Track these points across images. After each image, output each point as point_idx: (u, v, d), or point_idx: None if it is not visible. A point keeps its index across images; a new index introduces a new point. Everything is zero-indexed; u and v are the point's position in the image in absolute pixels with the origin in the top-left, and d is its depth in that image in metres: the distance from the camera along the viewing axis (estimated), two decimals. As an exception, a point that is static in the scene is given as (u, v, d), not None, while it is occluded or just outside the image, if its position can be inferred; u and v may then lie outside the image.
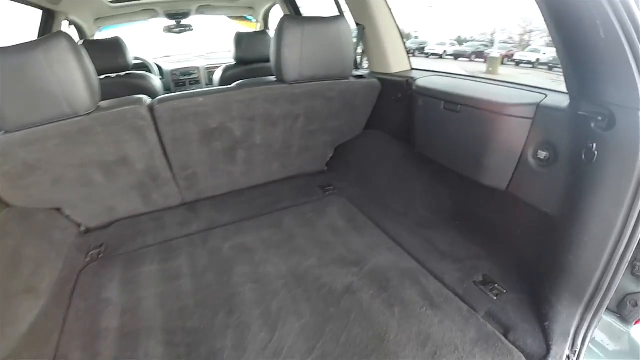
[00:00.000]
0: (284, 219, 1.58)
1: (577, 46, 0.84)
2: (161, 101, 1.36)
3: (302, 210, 1.65)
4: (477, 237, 1.35)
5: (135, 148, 1.42)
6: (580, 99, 0.91)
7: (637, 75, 0.75)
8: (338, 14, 1.94)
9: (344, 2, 1.89)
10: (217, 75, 2.42)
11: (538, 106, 1.06)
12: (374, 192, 1.73)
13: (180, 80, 2.81)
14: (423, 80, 1.54)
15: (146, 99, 1.39)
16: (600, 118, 0.84)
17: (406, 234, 1.44)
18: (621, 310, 0.93)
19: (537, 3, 0.86)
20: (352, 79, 1.67)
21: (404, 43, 1.81)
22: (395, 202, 1.63)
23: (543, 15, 0.88)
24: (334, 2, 2.04)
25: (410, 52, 1.84)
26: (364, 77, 1.74)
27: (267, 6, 3.00)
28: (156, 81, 2.25)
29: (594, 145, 0.85)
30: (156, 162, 1.51)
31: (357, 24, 1.83)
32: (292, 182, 1.90)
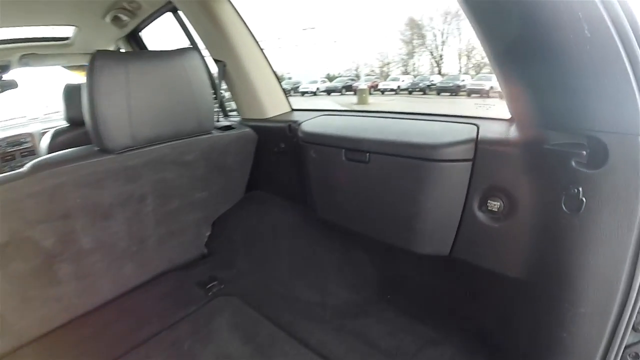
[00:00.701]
0: None
1: (541, 53, 0.56)
2: None
3: (177, 336, 1.08)
4: (421, 312, 1.04)
5: None
6: (543, 126, 0.64)
7: (637, 89, 0.49)
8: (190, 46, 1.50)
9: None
10: (44, 143, 1.77)
11: (477, 143, 0.77)
12: (273, 278, 1.27)
13: (8, 153, 2.17)
14: (310, 124, 1.18)
15: None
16: (584, 152, 0.58)
17: (331, 336, 1.02)
18: (621, 365, 0.76)
19: None
20: (216, 132, 1.23)
21: (279, 81, 1.46)
22: (304, 288, 1.19)
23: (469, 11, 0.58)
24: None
25: (285, 92, 1.49)
26: (233, 128, 1.32)
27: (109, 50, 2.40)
28: None
29: (580, 190, 0.60)
30: None
31: (216, 61, 1.42)
32: (158, 286, 1.31)
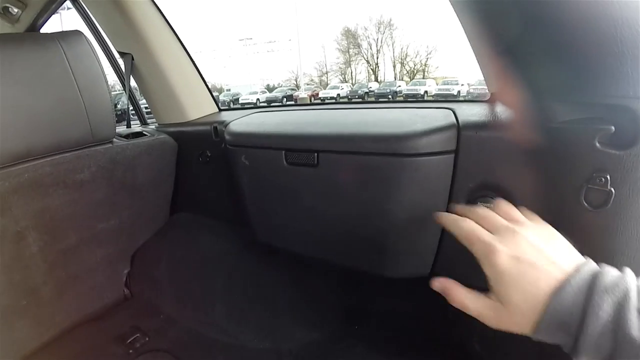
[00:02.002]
0: None
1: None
2: None
3: None
4: (397, 343, 0.85)
5: None
6: (547, 99, 0.49)
7: None
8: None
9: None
10: None
11: (459, 129, 0.60)
12: (210, 323, 1.00)
13: None
14: (239, 123, 0.95)
15: None
16: (612, 127, 0.43)
17: None
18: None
19: None
20: (119, 141, 0.95)
21: (203, 77, 1.21)
22: (250, 332, 0.95)
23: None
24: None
25: (225, 105, 1.24)
26: (144, 135, 1.04)
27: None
28: None
29: (608, 178, 0.46)
30: None
31: (122, 54, 1.15)
32: (64, 346, 0.98)
